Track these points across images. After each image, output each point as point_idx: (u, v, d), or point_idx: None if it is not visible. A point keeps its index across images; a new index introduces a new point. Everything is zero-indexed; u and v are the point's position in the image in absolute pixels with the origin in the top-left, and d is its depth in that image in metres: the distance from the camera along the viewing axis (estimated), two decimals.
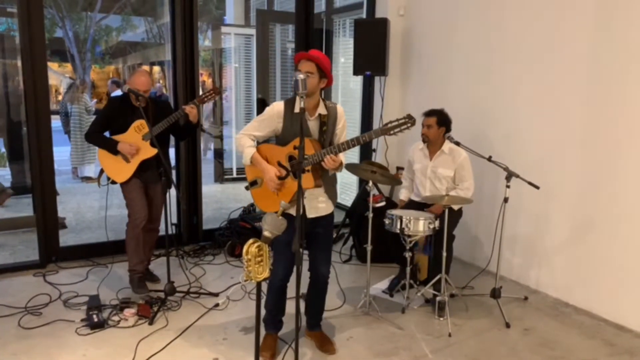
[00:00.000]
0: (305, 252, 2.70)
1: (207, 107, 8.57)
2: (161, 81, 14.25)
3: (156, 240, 3.87)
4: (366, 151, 5.19)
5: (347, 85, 6.20)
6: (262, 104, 6.79)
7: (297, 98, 2.61)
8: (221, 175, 7.98)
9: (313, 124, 2.64)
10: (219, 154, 8.10)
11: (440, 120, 3.68)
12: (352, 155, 5.93)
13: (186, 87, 4.42)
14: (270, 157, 2.68)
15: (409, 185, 3.99)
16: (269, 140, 2.81)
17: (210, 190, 7.33)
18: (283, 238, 2.29)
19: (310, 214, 2.69)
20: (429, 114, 3.71)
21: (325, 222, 2.74)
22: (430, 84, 4.75)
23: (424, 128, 3.70)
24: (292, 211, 2.61)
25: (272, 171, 2.62)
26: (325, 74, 2.60)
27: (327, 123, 2.63)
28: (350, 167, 3.49)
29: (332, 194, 2.75)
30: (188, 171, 4.61)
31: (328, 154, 2.49)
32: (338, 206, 6.66)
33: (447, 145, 3.71)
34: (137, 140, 3.50)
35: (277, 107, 2.66)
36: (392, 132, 2.42)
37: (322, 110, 2.64)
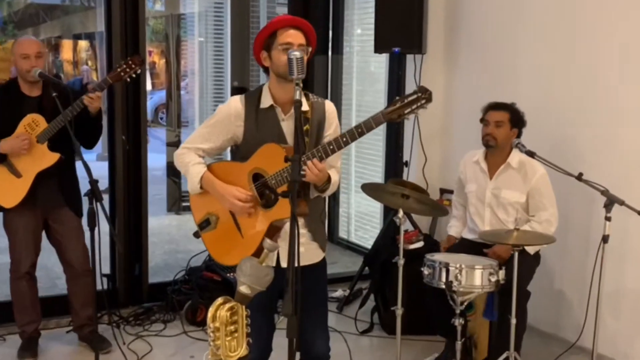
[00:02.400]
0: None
1: (156, 100, 8.59)
2: (89, 62, 14.35)
3: (94, 290, 3.91)
4: (394, 165, 5.17)
5: (365, 68, 6.22)
6: None
7: (266, 88, 2.69)
8: (177, 202, 7.98)
9: (288, 125, 2.67)
10: (174, 171, 8.11)
11: (515, 118, 3.70)
12: (373, 172, 5.91)
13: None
14: (226, 179, 2.72)
15: (459, 215, 3.97)
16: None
17: (162, 224, 7.30)
18: (256, 300, 2.28)
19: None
20: (497, 106, 3.73)
21: (315, 273, 2.76)
22: (488, 66, 4.77)
23: (489, 126, 3.72)
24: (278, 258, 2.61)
25: (234, 191, 2.63)
26: (311, 45, 2.67)
27: (311, 121, 2.67)
28: (371, 190, 3.50)
29: (318, 232, 2.77)
30: (127, 195, 4.61)
31: (310, 158, 2.52)
32: (351, 248, 6.69)
33: (516, 157, 3.69)
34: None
35: (234, 104, 2.71)
36: (399, 115, 2.47)
37: (303, 105, 2.65)
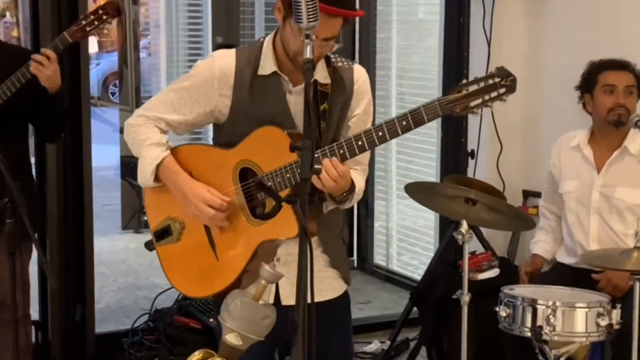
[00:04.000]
0: None
1: (104, 67, 8.58)
2: (9, 13, 14.49)
3: (30, 340, 3.98)
4: (454, 157, 5.22)
5: (410, 15, 6.23)
6: None
7: (268, 45, 2.65)
8: (137, 215, 8.04)
9: (298, 102, 2.68)
10: (132, 171, 8.10)
11: None
12: (423, 166, 5.91)
13: (60, 24, 4.46)
14: (199, 173, 2.74)
15: (550, 228, 4.00)
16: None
17: (115, 247, 7.35)
18: (259, 350, 2.34)
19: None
20: (619, 65, 3.75)
21: (333, 314, 2.80)
22: (593, 14, 4.72)
23: (618, 93, 3.72)
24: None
25: (203, 192, 2.64)
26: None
27: (330, 99, 2.67)
28: (420, 192, 3.53)
29: (337, 255, 2.83)
30: (64, 205, 4.65)
31: (327, 156, 2.55)
32: (392, 280, 6.65)
33: (637, 140, 3.72)
34: None
35: (220, 61, 2.72)
36: (463, 107, 2.47)
37: (320, 74, 2.68)
